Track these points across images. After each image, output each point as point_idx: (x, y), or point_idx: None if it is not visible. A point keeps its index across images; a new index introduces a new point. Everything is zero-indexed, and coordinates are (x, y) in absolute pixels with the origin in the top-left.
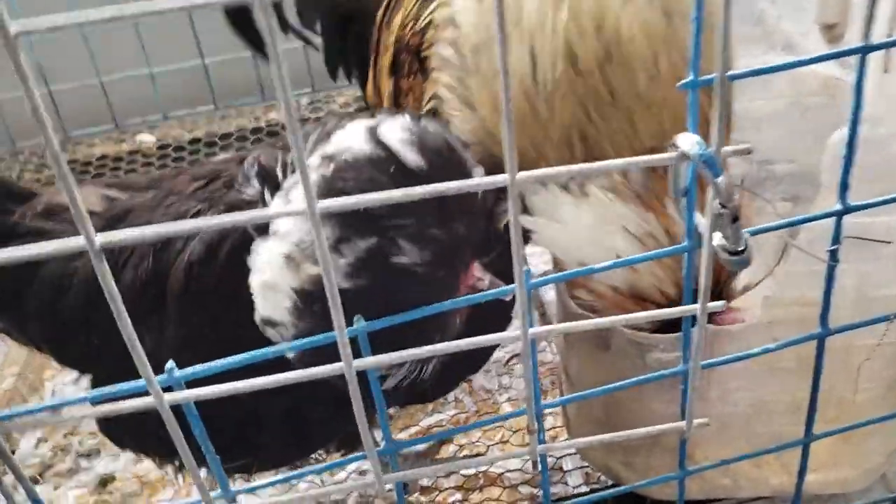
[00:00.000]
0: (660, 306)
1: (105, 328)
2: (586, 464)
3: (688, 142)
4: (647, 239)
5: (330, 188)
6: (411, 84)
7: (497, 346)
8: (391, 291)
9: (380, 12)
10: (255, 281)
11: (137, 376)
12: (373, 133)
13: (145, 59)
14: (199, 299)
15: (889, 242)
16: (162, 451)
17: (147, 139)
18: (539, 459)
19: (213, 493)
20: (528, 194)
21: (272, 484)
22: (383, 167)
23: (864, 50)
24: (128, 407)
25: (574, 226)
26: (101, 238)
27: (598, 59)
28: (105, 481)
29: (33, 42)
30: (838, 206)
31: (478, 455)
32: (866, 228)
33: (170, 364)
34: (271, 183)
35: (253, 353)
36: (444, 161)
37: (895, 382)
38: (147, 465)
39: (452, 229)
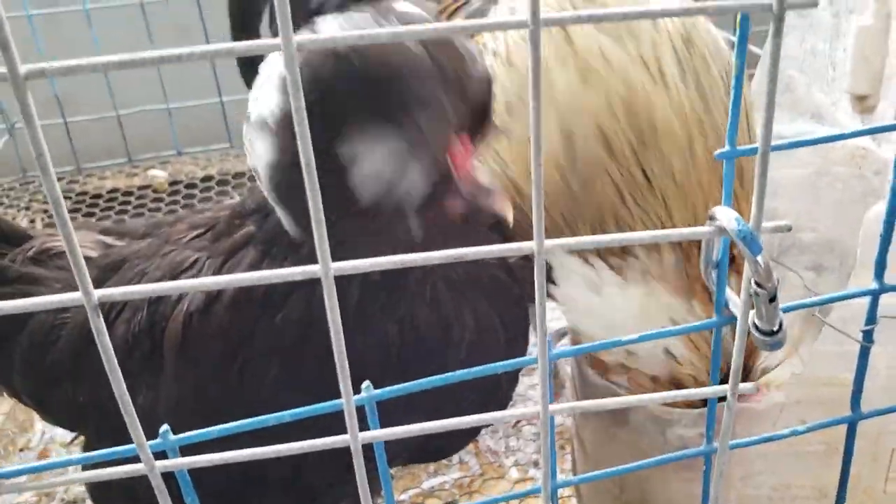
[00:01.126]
0: None
1: (93, 384)
2: None
3: (726, 216)
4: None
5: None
6: None
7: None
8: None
9: None
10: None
11: (126, 436)
12: None
13: (163, 94)
14: (197, 353)
15: None
16: None
17: (159, 174)
18: None
19: None
20: (563, 269)
21: None
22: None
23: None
24: (116, 473)
25: (616, 311)
26: (98, 293)
27: (632, 143)
28: None
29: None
30: (875, 286)
31: None
32: None
33: (164, 428)
34: None
35: (254, 420)
36: None
37: None
38: None
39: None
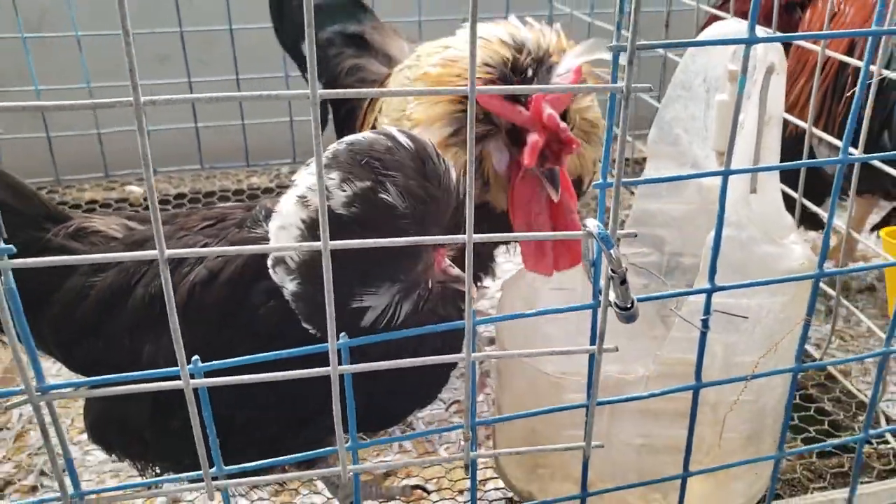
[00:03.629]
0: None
1: (110, 337)
2: None
3: (592, 224)
4: None
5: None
6: None
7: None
8: (376, 222)
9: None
10: (272, 227)
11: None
12: None
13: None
14: (195, 318)
15: (746, 318)
16: (145, 454)
17: (135, 190)
18: (470, 464)
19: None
20: None
21: (259, 467)
22: None
23: (726, 173)
24: (155, 387)
25: None
26: (168, 252)
27: None
28: None
29: (41, 91)
30: (708, 286)
31: (417, 487)
32: (731, 307)
33: (195, 357)
34: None
35: (264, 355)
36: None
37: (752, 435)
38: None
39: (429, 194)
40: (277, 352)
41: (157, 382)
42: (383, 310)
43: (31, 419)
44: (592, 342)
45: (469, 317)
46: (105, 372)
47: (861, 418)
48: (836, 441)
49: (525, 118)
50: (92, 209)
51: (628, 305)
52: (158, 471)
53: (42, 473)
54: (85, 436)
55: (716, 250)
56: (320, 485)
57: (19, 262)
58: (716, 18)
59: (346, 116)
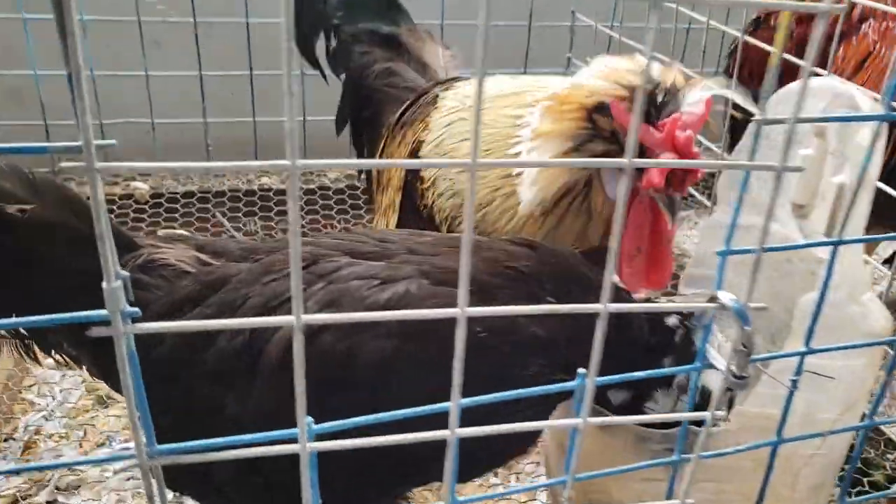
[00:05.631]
0: None
1: (185, 382)
2: None
3: (726, 298)
4: None
5: None
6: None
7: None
8: None
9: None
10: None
11: (196, 431)
12: None
13: (150, 108)
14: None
15: (833, 378)
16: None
17: (141, 186)
18: None
19: None
20: None
21: None
22: None
23: (836, 243)
24: (277, 451)
25: None
26: (305, 317)
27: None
28: None
29: (43, 80)
30: (804, 349)
31: None
32: (818, 367)
33: (308, 419)
34: None
35: (384, 414)
36: None
37: (820, 485)
38: None
39: None
40: (396, 411)
41: (271, 447)
42: None
43: (38, 429)
44: (692, 405)
45: (456, 396)
46: (170, 418)
47: None
48: None
49: (656, 140)
50: None
51: (745, 375)
52: None
53: (57, 489)
54: (101, 450)
55: (816, 315)
56: None
57: (145, 326)
58: (747, 46)
59: (369, 119)
